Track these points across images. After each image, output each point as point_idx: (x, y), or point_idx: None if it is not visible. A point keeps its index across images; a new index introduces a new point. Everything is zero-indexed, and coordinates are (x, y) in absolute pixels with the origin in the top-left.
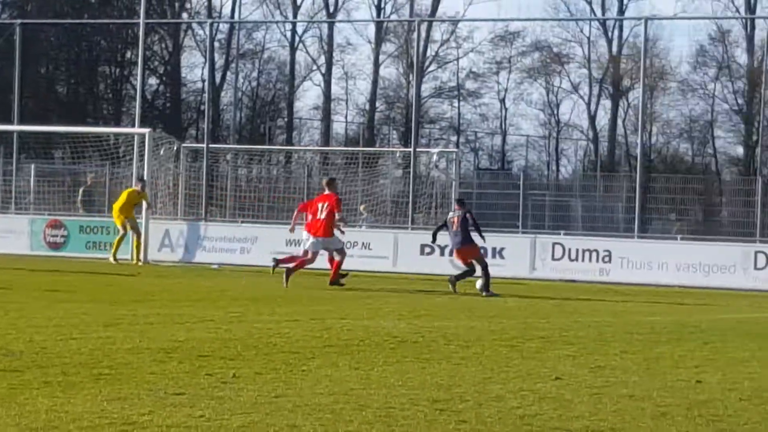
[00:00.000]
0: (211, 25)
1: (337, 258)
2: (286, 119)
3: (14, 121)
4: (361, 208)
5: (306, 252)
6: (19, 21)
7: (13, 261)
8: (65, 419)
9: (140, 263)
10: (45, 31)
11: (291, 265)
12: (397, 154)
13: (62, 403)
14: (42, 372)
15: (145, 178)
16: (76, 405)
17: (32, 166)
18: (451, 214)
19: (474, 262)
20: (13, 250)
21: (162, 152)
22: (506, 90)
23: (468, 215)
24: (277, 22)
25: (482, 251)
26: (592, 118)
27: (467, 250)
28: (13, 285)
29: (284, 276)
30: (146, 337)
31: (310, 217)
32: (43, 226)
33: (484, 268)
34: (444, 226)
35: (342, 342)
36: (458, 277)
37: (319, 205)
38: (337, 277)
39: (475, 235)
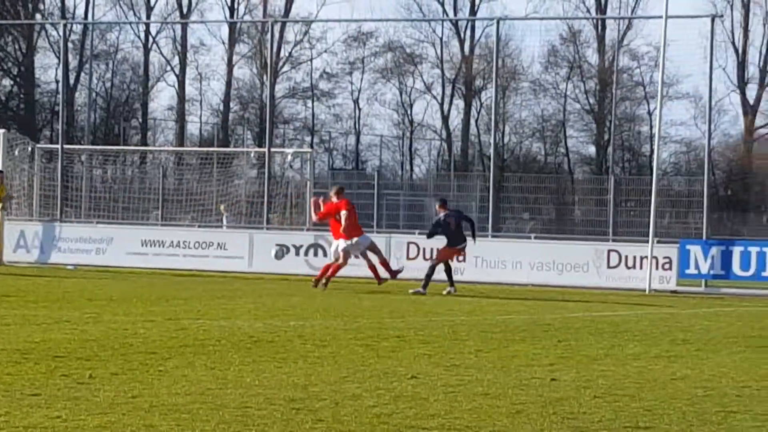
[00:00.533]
0: (65, 26)
1: (375, 258)
2: (140, 120)
3: None
4: (221, 208)
5: (344, 254)
6: None
7: None
8: None
9: None
10: None
11: (329, 273)
12: (252, 155)
13: None
14: None
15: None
16: None
17: None
18: (442, 215)
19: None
20: None
21: (16, 153)
22: (360, 90)
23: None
24: (130, 23)
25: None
26: (446, 118)
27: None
28: None
29: (322, 283)
30: (2, 338)
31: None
32: None
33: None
34: (438, 227)
35: (198, 342)
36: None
37: (342, 213)
38: (392, 273)
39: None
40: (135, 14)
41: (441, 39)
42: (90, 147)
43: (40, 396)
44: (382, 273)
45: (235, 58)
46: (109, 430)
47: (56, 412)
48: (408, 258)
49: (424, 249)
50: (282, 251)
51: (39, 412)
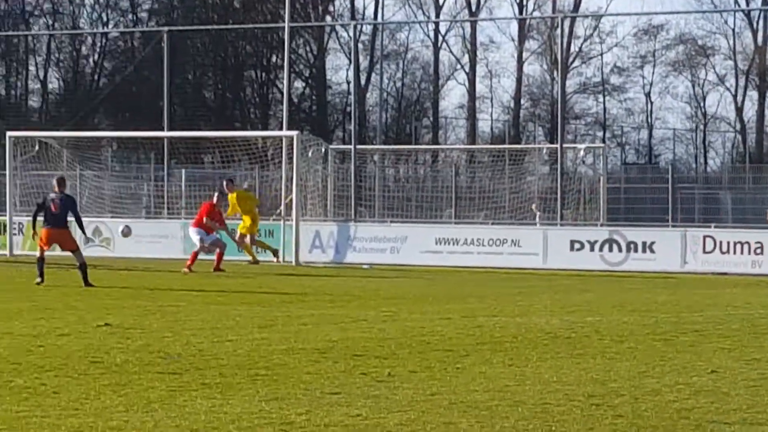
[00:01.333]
0: (355, 27)
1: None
2: (431, 119)
3: (164, 128)
4: (533, 207)
5: None
6: (166, 28)
7: (167, 265)
8: (224, 420)
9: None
10: (191, 38)
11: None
12: (544, 151)
13: (221, 404)
14: (200, 374)
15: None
16: (235, 406)
17: (183, 171)
18: None
19: None
20: (167, 254)
21: (310, 154)
22: (651, 84)
23: None
24: (419, 22)
25: None
26: (739, 110)
27: None
28: (170, 287)
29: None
30: (301, 337)
31: None
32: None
33: None
34: None
35: (495, 339)
36: None
37: None
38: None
39: None
40: (424, 13)
41: (733, 30)
42: (382, 147)
43: (339, 394)
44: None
45: (524, 54)
46: (409, 427)
47: (356, 410)
48: (704, 252)
49: (720, 242)
50: None
51: (339, 411)
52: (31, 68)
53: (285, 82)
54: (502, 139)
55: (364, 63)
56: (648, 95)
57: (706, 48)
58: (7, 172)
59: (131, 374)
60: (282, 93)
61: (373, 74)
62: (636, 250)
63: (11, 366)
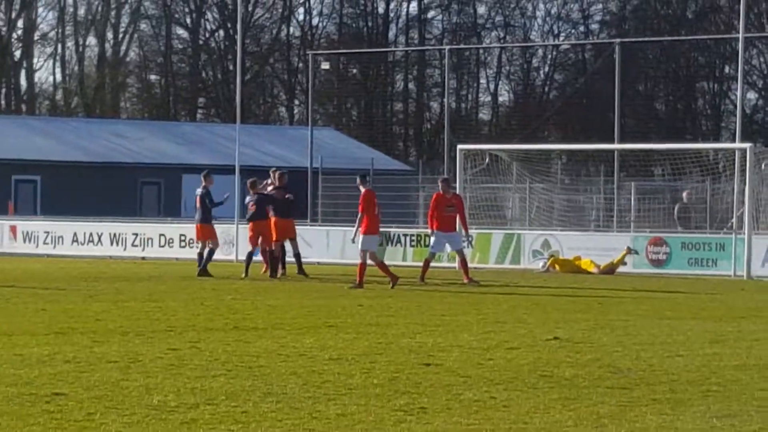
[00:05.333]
0: None
1: None
2: None
3: (615, 140)
4: None
5: None
6: (618, 40)
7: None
8: None
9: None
10: (643, 49)
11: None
12: None
13: (671, 420)
14: (650, 389)
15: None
16: (685, 422)
17: (632, 184)
18: None
19: None
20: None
21: (763, 167)
22: None
23: None
24: None
25: None
26: None
27: None
28: (619, 297)
29: None
30: (753, 353)
31: None
32: (645, 243)
33: None
34: None
35: None
36: None
37: None
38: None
39: None
40: None
41: None
42: None
43: None
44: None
45: None
46: None
47: None
48: None
49: None
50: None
51: None
52: (482, 81)
53: (738, 93)
54: None
55: None
56: None
57: None
58: (458, 185)
59: (581, 389)
60: (734, 104)
61: None
62: None
63: (461, 379)
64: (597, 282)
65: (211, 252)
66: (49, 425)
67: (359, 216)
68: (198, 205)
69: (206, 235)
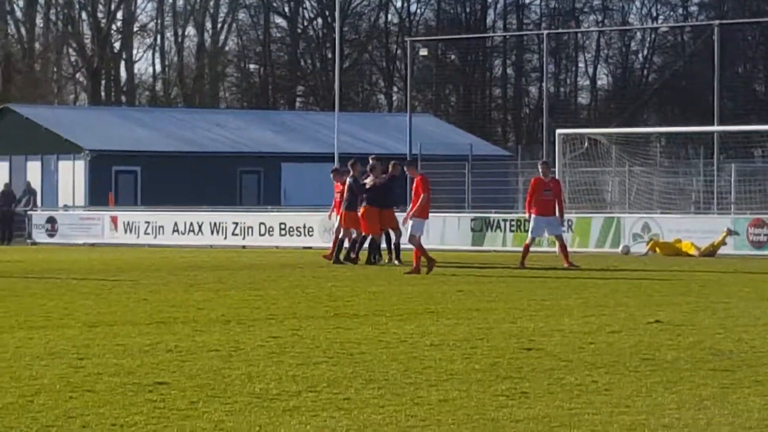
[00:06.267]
0: None
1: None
2: None
3: (714, 122)
4: None
5: None
6: (717, 22)
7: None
8: None
9: None
10: (742, 30)
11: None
12: None
13: None
14: (752, 371)
15: None
16: None
17: (732, 165)
18: None
19: None
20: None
21: None
22: None
23: None
24: None
25: None
26: None
27: None
28: (720, 282)
29: None
30: None
31: None
32: (745, 225)
33: None
34: None
35: None
36: None
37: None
38: None
39: None
40: None
41: None
42: None
43: None
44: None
45: None
46: None
47: None
48: None
49: None
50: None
51: None
52: (581, 65)
53: None
54: None
55: None
56: None
57: None
58: (557, 169)
59: (683, 371)
60: None
61: None
62: None
63: (562, 363)
64: (698, 264)
65: (356, 241)
66: (152, 414)
67: (422, 198)
68: (345, 193)
69: (351, 223)
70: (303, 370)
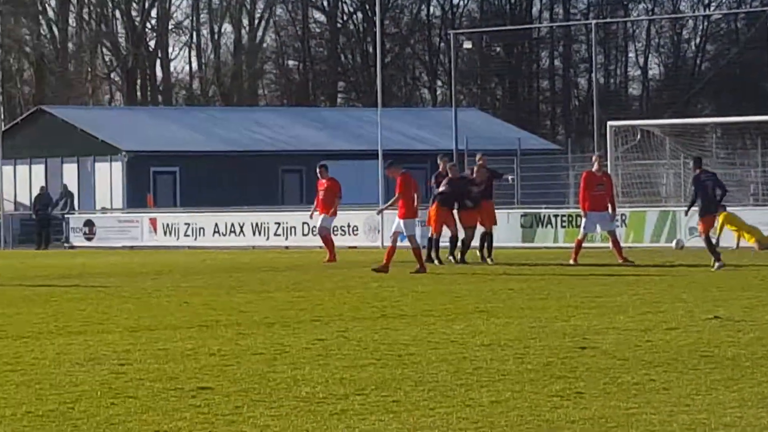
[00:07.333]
0: None
1: None
2: None
3: None
4: None
5: None
6: None
7: None
8: None
9: None
10: None
11: None
12: None
13: None
14: None
15: None
16: None
17: None
18: None
19: None
20: None
21: None
22: None
23: None
24: None
25: None
26: None
27: None
28: None
29: None
30: None
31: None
32: None
33: None
34: None
35: None
36: None
37: None
38: None
39: None
40: None
41: None
42: None
43: None
44: None
45: None
46: None
47: None
48: None
49: None
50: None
51: None
52: (631, 55)
53: None
54: None
55: None
56: None
57: None
58: (609, 162)
59: (743, 368)
60: None
61: None
62: None
63: (619, 362)
64: (757, 258)
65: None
66: (195, 420)
67: (396, 197)
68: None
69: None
70: (350, 373)
